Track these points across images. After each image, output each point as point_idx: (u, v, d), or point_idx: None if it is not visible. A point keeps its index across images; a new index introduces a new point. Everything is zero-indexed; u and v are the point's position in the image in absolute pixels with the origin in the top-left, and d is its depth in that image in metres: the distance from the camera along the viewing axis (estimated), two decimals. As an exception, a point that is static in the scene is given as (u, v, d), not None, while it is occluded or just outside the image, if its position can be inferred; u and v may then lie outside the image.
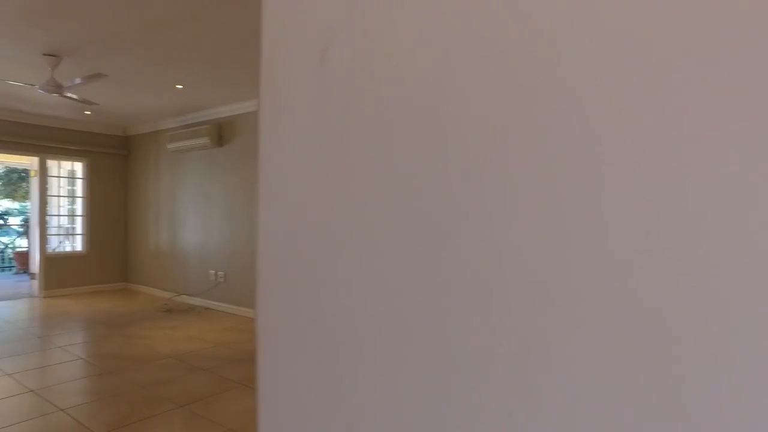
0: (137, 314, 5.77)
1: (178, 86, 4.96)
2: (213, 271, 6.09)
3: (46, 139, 6.87)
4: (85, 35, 3.67)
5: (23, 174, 13.26)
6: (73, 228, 7.37)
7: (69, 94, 4.33)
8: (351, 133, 0.42)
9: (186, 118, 6.43)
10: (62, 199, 7.33)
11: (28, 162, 7.99)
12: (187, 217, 6.53)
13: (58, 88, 4.16)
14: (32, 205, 7.26)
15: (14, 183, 14.03)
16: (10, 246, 11.15)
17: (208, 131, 5.85)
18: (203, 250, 6.26)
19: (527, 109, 0.33)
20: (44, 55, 4.06)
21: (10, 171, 13.28)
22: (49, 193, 7.10)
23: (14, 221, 15.33)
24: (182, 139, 6.21)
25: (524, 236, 0.33)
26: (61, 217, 7.30)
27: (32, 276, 7.09)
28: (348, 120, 0.42)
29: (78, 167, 7.34)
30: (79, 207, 7.35)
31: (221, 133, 5.96)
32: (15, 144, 6.66)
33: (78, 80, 4.05)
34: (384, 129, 0.40)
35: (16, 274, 9.86)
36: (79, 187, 7.36)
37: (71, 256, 7.20)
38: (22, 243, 11.29)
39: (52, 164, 7.11)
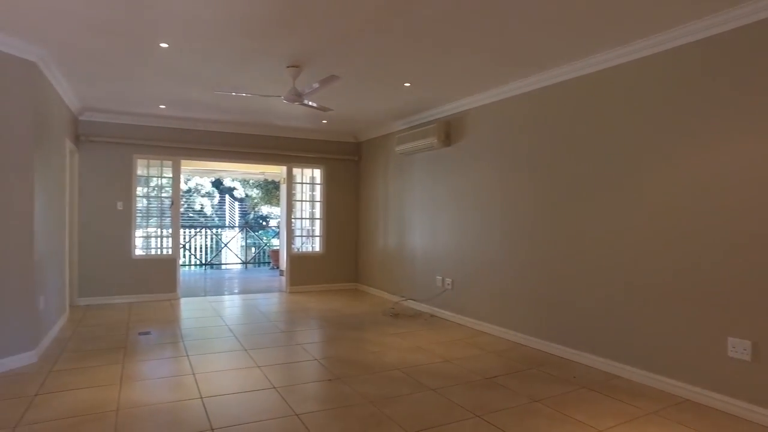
0: (365, 317, 5.82)
1: (405, 84, 4.79)
2: (440, 278, 5.81)
3: (292, 149, 7.55)
4: (320, 41, 3.67)
5: (276, 183, 15.30)
6: (313, 230, 7.98)
7: (308, 102, 4.47)
8: None
9: (413, 119, 6.33)
10: (305, 203, 8.00)
11: (279, 171, 9.00)
12: (414, 220, 6.43)
13: (299, 97, 4.31)
14: (281, 209, 8.09)
15: (270, 190, 16.35)
16: (267, 245, 12.90)
17: (435, 131, 5.60)
18: (430, 255, 6.05)
19: None
20: (288, 67, 4.25)
21: (269, 181, 15.46)
22: (294, 198, 7.80)
23: (273, 223, 17.93)
24: (409, 140, 6.11)
25: None
26: (304, 220, 7.96)
27: (281, 273, 7.87)
28: None
29: (317, 174, 7.92)
30: (318, 211, 7.93)
31: (449, 131, 5.65)
32: (269, 155, 7.46)
33: (315, 85, 4.13)
34: None
35: (271, 269, 11.30)
36: (316, 192, 7.95)
37: (311, 256, 7.79)
38: (275, 242, 12.98)
39: (297, 172, 7.80)
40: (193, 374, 3.67)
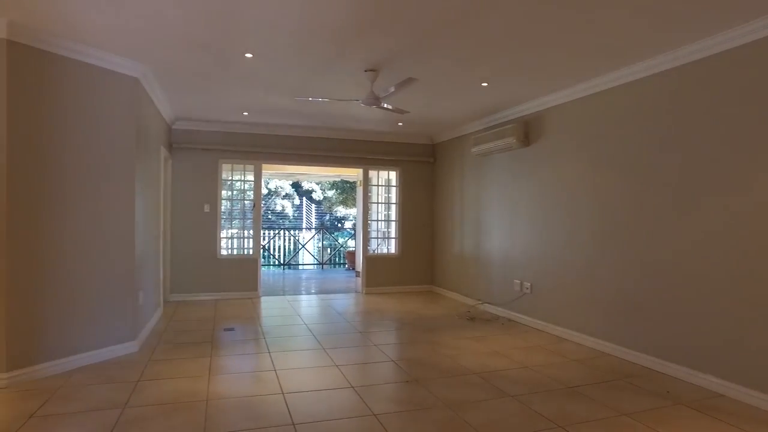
0: (441, 319, 5.78)
1: (483, 84, 4.71)
2: (518, 281, 5.65)
3: (368, 152, 7.66)
4: (398, 45, 3.69)
5: (352, 185, 15.58)
6: (388, 232, 8.04)
7: (385, 105, 4.51)
8: None
9: (490, 119, 6.21)
10: (380, 205, 8.08)
11: (355, 173, 9.15)
12: (491, 222, 6.30)
13: (376, 100, 4.36)
14: (357, 211, 8.22)
15: (346, 192, 16.70)
16: (343, 246, 13.17)
17: (513, 131, 5.46)
18: (508, 258, 5.90)
19: None
20: (365, 71, 4.32)
21: (344, 182, 15.79)
22: (370, 200, 7.90)
23: (348, 225, 18.30)
24: (486, 141, 6.00)
25: None
26: (379, 222, 8.04)
27: (357, 274, 7.99)
28: None
29: (392, 176, 7.98)
30: (393, 213, 7.98)
31: (527, 131, 5.49)
32: (346, 158, 7.61)
33: (392, 89, 4.16)
34: None
35: (346, 270, 11.51)
36: (393, 195, 8.00)
37: (386, 258, 7.85)
38: (351, 244, 13.22)
39: (373, 174, 7.89)
40: (275, 370, 3.81)
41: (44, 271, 3.69)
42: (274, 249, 12.88)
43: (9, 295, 3.48)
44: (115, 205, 4.15)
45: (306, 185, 18.62)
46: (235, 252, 7.26)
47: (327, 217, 19.13)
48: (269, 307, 6.54)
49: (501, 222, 6.06)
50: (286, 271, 11.68)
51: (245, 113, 6.21)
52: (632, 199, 4.15)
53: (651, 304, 3.95)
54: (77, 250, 3.90)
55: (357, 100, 4.43)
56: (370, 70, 4.28)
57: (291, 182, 18.29)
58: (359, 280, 7.86)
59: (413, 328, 5.35)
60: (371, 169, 7.80)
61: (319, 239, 13.63)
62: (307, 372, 3.80)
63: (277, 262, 12.53)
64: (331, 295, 7.57)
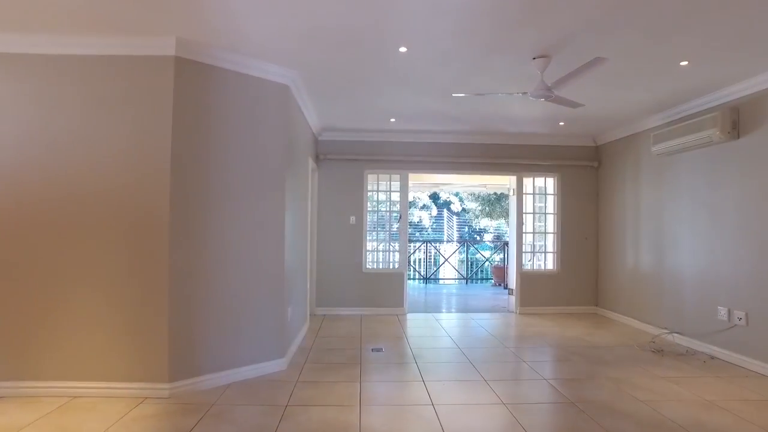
0: (618, 350, 4.85)
1: (682, 63, 3.80)
2: (724, 309, 4.52)
3: (523, 156, 6.93)
4: (577, 21, 3.04)
5: (498, 195, 14.77)
6: (544, 246, 7.19)
7: (557, 95, 3.84)
8: None
9: (676, 110, 5.15)
10: (533, 216, 7.26)
11: (505, 182, 8.44)
12: (679, 234, 5.21)
13: (548, 91, 3.71)
14: (510, 222, 7.50)
15: (492, 203, 15.88)
16: (489, 260, 12.41)
17: (715, 121, 4.40)
18: (706, 278, 4.78)
19: None
20: (534, 59, 3.71)
21: (491, 194, 15.04)
22: (525, 210, 7.14)
23: (488, 237, 17.46)
24: (673, 137, 4.97)
25: None
26: (535, 235, 7.23)
27: (510, 291, 7.26)
28: None
29: (548, 183, 7.14)
30: (549, 224, 7.13)
31: (737, 120, 4.39)
32: (497, 165, 6.97)
33: (571, 74, 3.47)
34: None
35: (492, 286, 10.77)
36: (548, 204, 7.15)
37: (543, 275, 7.01)
38: (495, 257, 12.42)
39: (527, 182, 7.14)
40: (433, 404, 3.32)
41: (202, 284, 3.65)
42: (414, 262, 12.58)
43: (171, 307, 3.46)
44: (267, 218, 4.03)
45: (443, 196, 18.18)
46: (380, 265, 6.99)
47: (466, 229, 18.46)
48: (416, 325, 6.11)
49: (694, 234, 4.96)
50: (428, 285, 11.28)
51: (392, 119, 5.91)
52: None
53: None
54: (232, 264, 3.82)
55: (524, 93, 3.82)
56: (540, 57, 3.66)
57: (429, 193, 17.99)
58: (512, 298, 7.12)
59: (585, 359, 4.52)
60: (526, 176, 7.05)
61: (461, 252, 13.03)
62: (471, 411, 3.24)
63: (418, 276, 12.19)
64: (481, 314, 6.94)
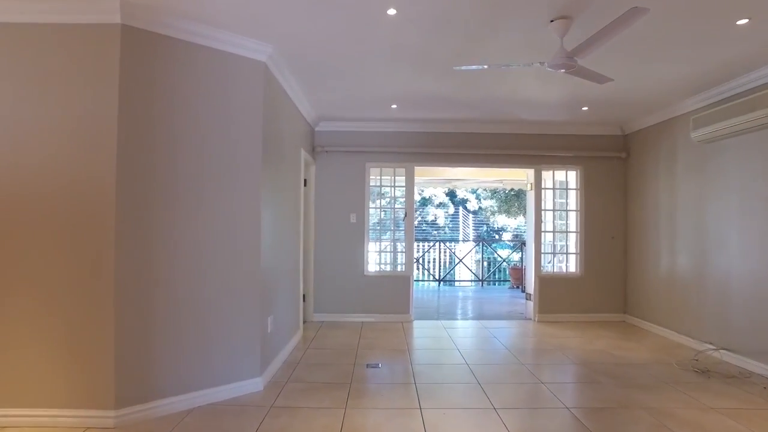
0: (653, 369, 4.16)
1: (739, 22, 3.09)
2: (785, 324, 3.80)
3: (541, 147, 6.25)
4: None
5: (516, 191, 14.01)
6: (566, 246, 6.48)
7: (582, 63, 3.17)
8: None
9: (724, 88, 4.40)
10: (554, 213, 6.55)
11: (522, 176, 7.74)
12: (726, 233, 4.47)
13: (570, 60, 3.04)
14: (527, 220, 6.81)
15: (509, 199, 15.09)
16: (507, 260, 11.68)
17: (774, 97, 3.69)
18: (761, 284, 4.05)
19: None
20: (552, 21, 3.06)
21: (507, 190, 14.29)
22: (544, 207, 6.44)
23: (507, 236, 16.69)
24: (719, 119, 4.25)
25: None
26: (555, 234, 6.51)
27: (527, 296, 6.57)
28: None
29: (570, 177, 6.43)
30: (572, 222, 6.41)
31: (803, 96, 3.66)
32: (512, 156, 6.30)
33: (600, 32, 2.79)
34: None
35: (510, 288, 10.06)
36: (569, 200, 6.44)
37: (564, 278, 6.31)
38: (513, 257, 11.68)
39: (546, 175, 6.44)
40: (428, 443, 2.70)
41: (160, 293, 3.09)
42: (427, 262, 11.91)
43: (118, 321, 2.91)
44: (239, 215, 3.44)
45: (460, 193, 17.45)
46: (384, 268, 6.36)
47: (483, 228, 17.70)
48: (422, 335, 5.48)
49: (745, 233, 4.23)
50: (442, 287, 10.62)
51: (394, 106, 5.28)
52: None
53: None
54: (197, 269, 3.24)
55: (541, 63, 3.15)
56: (561, 18, 3.00)
57: (446, 190, 17.28)
58: (529, 304, 6.44)
59: (616, 381, 3.84)
60: (545, 169, 6.35)
61: (477, 251, 12.31)
62: (474, 453, 2.61)
63: (431, 278, 11.52)
64: (496, 322, 6.27)
